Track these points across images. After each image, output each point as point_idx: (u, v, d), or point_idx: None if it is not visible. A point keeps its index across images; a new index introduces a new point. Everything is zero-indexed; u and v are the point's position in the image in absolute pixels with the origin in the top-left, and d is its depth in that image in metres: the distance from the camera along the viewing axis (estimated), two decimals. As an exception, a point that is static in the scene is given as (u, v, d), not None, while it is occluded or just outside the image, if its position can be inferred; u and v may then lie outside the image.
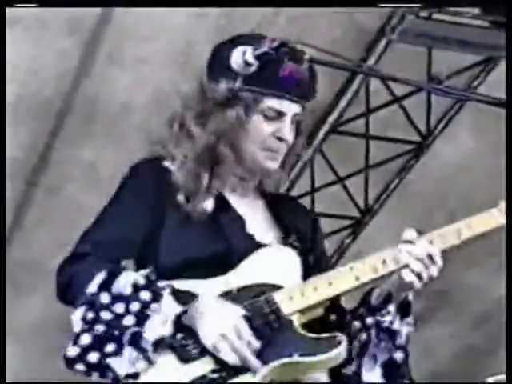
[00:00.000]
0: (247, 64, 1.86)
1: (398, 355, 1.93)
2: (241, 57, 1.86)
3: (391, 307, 1.92)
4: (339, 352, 1.83)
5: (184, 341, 1.80)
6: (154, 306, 1.79)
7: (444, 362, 6.39)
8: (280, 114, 1.98)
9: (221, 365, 1.79)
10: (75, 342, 1.78)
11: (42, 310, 5.37)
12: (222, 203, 2.00)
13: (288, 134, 2.00)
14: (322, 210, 4.98)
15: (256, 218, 2.05)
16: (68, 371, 1.80)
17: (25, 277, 5.36)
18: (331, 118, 4.94)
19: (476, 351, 6.39)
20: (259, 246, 1.96)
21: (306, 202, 4.86)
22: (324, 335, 1.86)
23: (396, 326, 1.92)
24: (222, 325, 1.78)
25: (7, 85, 4.18)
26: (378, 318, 1.92)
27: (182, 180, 1.96)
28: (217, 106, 1.96)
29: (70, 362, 1.77)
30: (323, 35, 4.31)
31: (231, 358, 1.77)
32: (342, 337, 1.84)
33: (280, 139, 1.98)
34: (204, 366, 1.80)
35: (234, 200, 2.03)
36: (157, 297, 1.80)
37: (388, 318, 1.91)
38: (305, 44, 1.84)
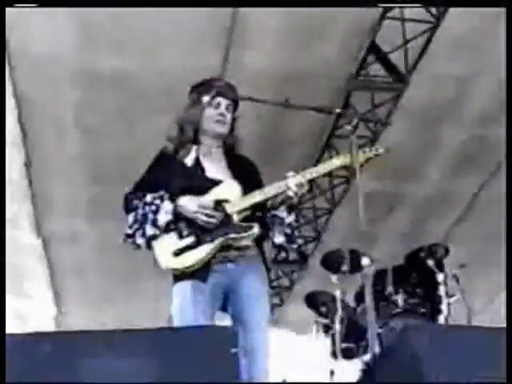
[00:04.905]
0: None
1: (287, 230, 3.79)
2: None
3: (283, 208, 3.78)
4: (252, 233, 3.66)
5: (179, 225, 3.64)
6: (161, 204, 3.64)
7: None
8: (219, 104, 3.85)
9: (198, 240, 3.63)
10: (130, 226, 3.64)
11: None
12: (196, 161, 3.82)
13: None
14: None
15: (216, 169, 3.83)
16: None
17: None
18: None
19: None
20: (213, 182, 3.74)
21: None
22: (245, 224, 3.66)
23: (285, 217, 3.80)
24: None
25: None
26: (277, 213, 3.78)
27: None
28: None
29: (127, 236, 3.66)
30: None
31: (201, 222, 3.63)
32: (255, 225, 3.65)
33: (222, 115, 3.83)
34: (189, 240, 3.62)
35: (204, 160, 3.84)
36: (162, 201, 3.65)
37: (281, 214, 3.80)
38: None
